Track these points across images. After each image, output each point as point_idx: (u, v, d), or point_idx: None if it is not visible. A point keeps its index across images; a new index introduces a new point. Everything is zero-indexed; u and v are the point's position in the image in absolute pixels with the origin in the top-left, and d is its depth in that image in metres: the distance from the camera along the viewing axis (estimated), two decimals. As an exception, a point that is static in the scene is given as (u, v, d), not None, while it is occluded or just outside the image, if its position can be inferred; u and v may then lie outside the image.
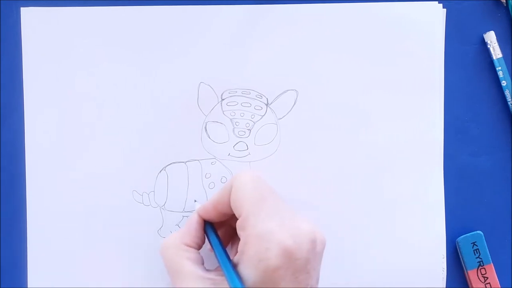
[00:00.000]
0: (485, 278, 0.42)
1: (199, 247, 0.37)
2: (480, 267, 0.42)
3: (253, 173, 0.36)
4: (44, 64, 0.42)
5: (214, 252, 0.36)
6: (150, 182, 0.42)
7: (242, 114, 0.42)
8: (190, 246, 0.36)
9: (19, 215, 0.42)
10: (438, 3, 0.43)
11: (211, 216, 0.37)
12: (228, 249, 0.39)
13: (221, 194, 0.36)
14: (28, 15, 0.42)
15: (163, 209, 0.42)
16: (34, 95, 0.42)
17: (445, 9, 0.43)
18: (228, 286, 0.33)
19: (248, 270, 0.32)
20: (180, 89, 0.42)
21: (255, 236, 0.33)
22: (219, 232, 0.38)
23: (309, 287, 0.33)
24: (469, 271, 0.42)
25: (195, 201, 0.42)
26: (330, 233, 0.42)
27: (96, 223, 0.42)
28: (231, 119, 0.42)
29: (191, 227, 0.37)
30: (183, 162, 0.42)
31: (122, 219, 0.42)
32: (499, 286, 0.42)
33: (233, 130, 0.42)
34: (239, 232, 0.34)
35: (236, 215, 0.35)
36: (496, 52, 0.43)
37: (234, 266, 0.34)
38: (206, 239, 0.38)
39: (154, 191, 0.42)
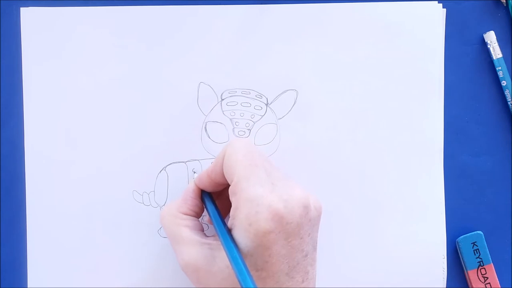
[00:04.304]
0: (485, 278, 0.42)
1: (197, 215, 0.37)
2: (480, 267, 0.42)
3: (246, 140, 0.36)
4: (43, 64, 0.42)
5: (211, 218, 0.36)
6: (150, 182, 0.42)
7: (242, 114, 0.42)
8: (187, 214, 0.37)
9: (19, 215, 0.42)
10: (438, 3, 0.43)
11: (206, 185, 0.37)
12: (226, 220, 0.39)
13: (215, 162, 0.36)
14: (28, 15, 0.42)
15: (163, 209, 0.42)
16: (34, 95, 0.42)
17: (445, 9, 0.43)
18: (224, 252, 0.33)
19: (240, 235, 0.32)
20: (180, 89, 0.42)
21: (245, 200, 0.32)
22: (218, 203, 0.38)
23: (305, 253, 0.33)
24: (469, 271, 0.42)
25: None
26: (329, 233, 0.42)
27: (96, 223, 0.42)
28: (231, 119, 0.42)
29: (187, 195, 0.38)
30: (183, 162, 0.42)
31: (122, 219, 0.42)
32: (499, 286, 0.42)
33: (233, 130, 0.42)
34: (231, 198, 0.34)
35: (228, 182, 0.35)
36: (496, 52, 0.43)
37: (229, 231, 0.34)
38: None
39: (154, 191, 0.42)
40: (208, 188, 0.38)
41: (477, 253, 0.42)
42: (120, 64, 0.42)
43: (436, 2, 0.43)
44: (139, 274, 0.42)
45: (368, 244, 0.42)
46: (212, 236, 0.36)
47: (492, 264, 0.42)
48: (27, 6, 0.42)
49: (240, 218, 0.33)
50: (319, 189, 0.42)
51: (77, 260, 0.42)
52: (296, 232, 0.33)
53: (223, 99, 0.43)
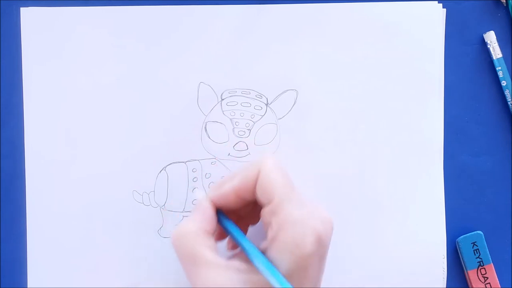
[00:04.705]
0: (485, 278, 0.42)
1: (214, 235, 0.35)
2: (480, 267, 0.42)
3: (277, 159, 0.35)
4: (43, 64, 0.42)
5: (235, 238, 0.34)
6: (150, 182, 0.42)
7: (242, 114, 0.42)
8: (209, 233, 0.34)
9: (19, 215, 0.42)
10: (438, 3, 0.43)
11: (231, 203, 0.35)
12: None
13: (245, 180, 0.34)
14: (28, 15, 0.42)
15: (163, 209, 0.42)
16: (34, 95, 0.42)
17: (445, 9, 0.43)
18: (254, 275, 0.32)
19: (282, 257, 0.32)
20: (180, 89, 0.42)
21: (291, 222, 0.32)
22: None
23: (322, 272, 0.34)
24: (469, 271, 0.42)
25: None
26: (330, 233, 0.42)
27: (96, 223, 0.42)
28: (231, 119, 0.42)
29: (207, 214, 0.35)
30: (183, 162, 0.42)
31: (122, 219, 0.42)
32: (499, 286, 0.42)
33: (233, 130, 0.42)
34: (268, 218, 0.33)
35: (264, 201, 0.34)
36: (496, 52, 0.43)
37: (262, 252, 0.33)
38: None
39: (154, 191, 0.42)
40: (230, 206, 0.36)
41: (477, 253, 0.42)
42: (120, 64, 0.42)
43: (436, 2, 0.43)
44: (139, 274, 0.42)
45: (368, 244, 0.42)
46: (235, 258, 0.34)
47: (492, 264, 0.42)
48: (27, 6, 0.42)
49: (285, 241, 0.32)
50: (319, 189, 0.42)
51: (77, 260, 0.42)
52: (325, 253, 0.33)
53: (223, 99, 0.43)
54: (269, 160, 0.35)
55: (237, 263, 0.33)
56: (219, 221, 0.36)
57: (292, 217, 0.32)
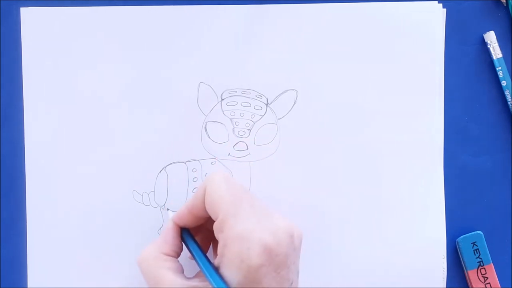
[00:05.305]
0: (485, 278, 0.42)
1: (177, 255, 0.37)
2: (480, 267, 0.42)
3: (224, 173, 0.36)
4: (43, 64, 0.42)
5: (194, 258, 0.36)
6: (150, 182, 0.42)
7: (242, 114, 0.42)
8: (169, 255, 0.36)
9: (19, 215, 0.42)
10: (438, 3, 0.43)
11: (187, 221, 0.37)
12: (209, 253, 0.39)
13: (195, 197, 0.36)
14: (28, 15, 0.42)
15: (163, 209, 0.42)
16: (34, 95, 0.42)
17: (445, 9, 0.43)
18: None
19: (230, 272, 0.32)
20: (180, 89, 0.42)
21: (235, 237, 0.32)
22: (197, 238, 0.38)
23: (291, 282, 0.34)
24: (469, 271, 0.42)
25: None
26: (329, 233, 0.42)
27: (96, 223, 0.42)
28: (231, 119, 0.42)
29: (167, 235, 0.37)
30: (183, 162, 0.42)
31: (122, 219, 0.42)
32: (499, 286, 0.42)
33: (233, 130, 0.42)
34: (217, 234, 0.34)
35: (213, 218, 0.35)
36: (496, 52, 0.43)
37: (216, 269, 0.33)
38: (184, 247, 0.37)
39: (154, 191, 0.42)
40: (189, 224, 0.37)
41: (477, 253, 0.42)
42: (120, 64, 0.42)
43: (436, 2, 0.43)
44: (139, 274, 0.42)
45: (368, 244, 0.42)
46: (195, 277, 0.35)
47: (492, 264, 0.42)
48: (27, 6, 0.42)
49: (230, 256, 0.32)
50: (318, 189, 0.42)
51: (77, 260, 0.42)
52: (284, 262, 0.33)
53: (223, 99, 0.43)
54: (215, 177, 0.35)
55: (195, 282, 0.34)
56: (182, 240, 0.37)
57: (235, 232, 0.32)
